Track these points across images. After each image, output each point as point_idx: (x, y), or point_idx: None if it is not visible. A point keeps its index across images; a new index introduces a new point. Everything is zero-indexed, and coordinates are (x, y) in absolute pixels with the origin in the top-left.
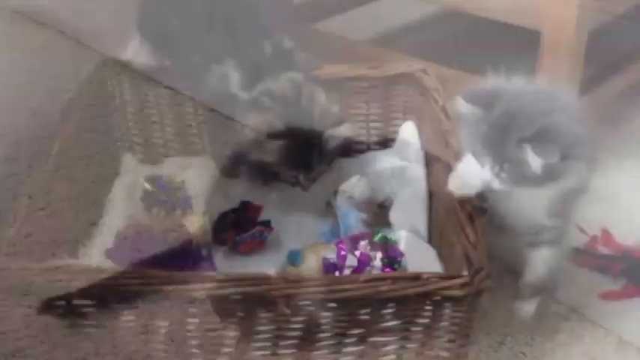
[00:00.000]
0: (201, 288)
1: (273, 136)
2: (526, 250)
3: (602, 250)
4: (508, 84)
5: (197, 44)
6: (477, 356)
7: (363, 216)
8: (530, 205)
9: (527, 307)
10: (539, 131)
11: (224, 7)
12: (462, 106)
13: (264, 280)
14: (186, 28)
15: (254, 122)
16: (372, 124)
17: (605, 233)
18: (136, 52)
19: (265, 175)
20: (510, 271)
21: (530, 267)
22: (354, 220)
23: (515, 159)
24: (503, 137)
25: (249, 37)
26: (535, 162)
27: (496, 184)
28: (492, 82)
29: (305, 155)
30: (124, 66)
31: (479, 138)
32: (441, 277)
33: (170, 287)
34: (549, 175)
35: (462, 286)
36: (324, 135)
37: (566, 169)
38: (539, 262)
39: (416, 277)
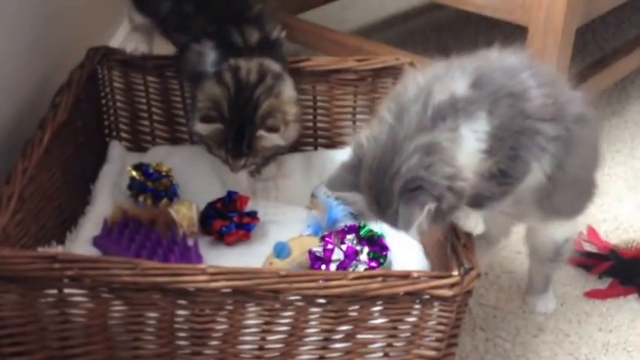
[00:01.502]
0: (192, 280)
1: (213, 110)
2: None
3: (588, 247)
4: (362, 149)
5: (182, 25)
6: (462, 353)
7: (349, 209)
8: None
9: (542, 304)
10: (401, 193)
11: None
12: (338, 196)
13: (254, 274)
14: (174, 9)
15: (207, 90)
16: (358, 117)
17: (591, 231)
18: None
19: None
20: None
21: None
22: (339, 214)
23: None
24: (377, 214)
25: (234, 23)
26: (414, 223)
27: None
28: (348, 152)
29: (233, 142)
30: (114, 54)
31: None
32: (431, 277)
33: (161, 279)
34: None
35: (452, 286)
36: (256, 132)
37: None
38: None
39: (406, 276)
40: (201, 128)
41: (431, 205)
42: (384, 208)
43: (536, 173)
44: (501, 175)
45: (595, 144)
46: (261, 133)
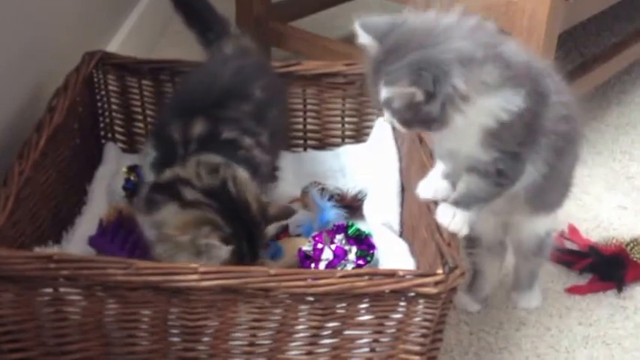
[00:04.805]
0: (184, 279)
1: None
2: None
3: (570, 245)
4: (413, 18)
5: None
6: (447, 346)
7: (341, 211)
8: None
9: (526, 300)
10: (409, 63)
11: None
12: (360, 34)
13: (244, 273)
14: None
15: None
16: (347, 119)
17: (572, 229)
18: None
19: None
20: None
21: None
22: (332, 216)
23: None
24: (381, 71)
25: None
26: (386, 92)
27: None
28: (401, 15)
29: None
30: (109, 58)
31: (370, 70)
32: (416, 275)
33: (155, 278)
34: (430, 115)
35: (436, 283)
36: None
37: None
38: (466, 182)
39: (391, 274)
40: None
41: (418, 93)
42: (384, 66)
43: (530, 174)
44: (498, 174)
45: (579, 141)
46: None
